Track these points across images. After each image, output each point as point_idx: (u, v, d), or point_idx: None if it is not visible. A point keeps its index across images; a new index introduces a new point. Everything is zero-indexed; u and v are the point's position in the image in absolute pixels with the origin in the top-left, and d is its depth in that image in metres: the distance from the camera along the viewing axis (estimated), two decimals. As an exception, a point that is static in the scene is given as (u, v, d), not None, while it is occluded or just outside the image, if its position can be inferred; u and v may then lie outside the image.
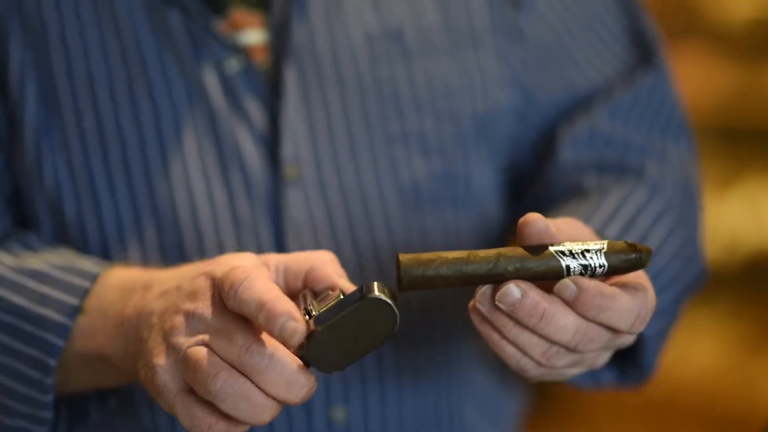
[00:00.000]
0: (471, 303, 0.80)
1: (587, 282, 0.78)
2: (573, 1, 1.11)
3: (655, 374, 1.04)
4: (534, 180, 1.10)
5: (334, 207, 1.00)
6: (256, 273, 0.79)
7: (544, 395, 2.12)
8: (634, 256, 0.79)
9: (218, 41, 0.99)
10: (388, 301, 0.78)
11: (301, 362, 0.79)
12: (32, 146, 0.98)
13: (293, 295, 0.83)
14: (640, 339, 0.98)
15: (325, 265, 0.84)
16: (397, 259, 0.79)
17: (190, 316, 0.81)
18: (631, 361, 1.01)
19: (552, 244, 0.79)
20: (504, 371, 1.10)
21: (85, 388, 0.95)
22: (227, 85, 1.00)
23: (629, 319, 0.80)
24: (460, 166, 1.04)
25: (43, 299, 0.91)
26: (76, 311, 0.90)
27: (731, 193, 2.38)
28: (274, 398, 0.78)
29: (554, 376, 0.86)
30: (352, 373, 1.01)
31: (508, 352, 0.81)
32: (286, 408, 0.97)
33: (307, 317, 0.79)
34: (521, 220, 0.80)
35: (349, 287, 0.82)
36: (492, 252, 0.78)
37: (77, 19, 0.99)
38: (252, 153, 0.99)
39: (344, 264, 0.87)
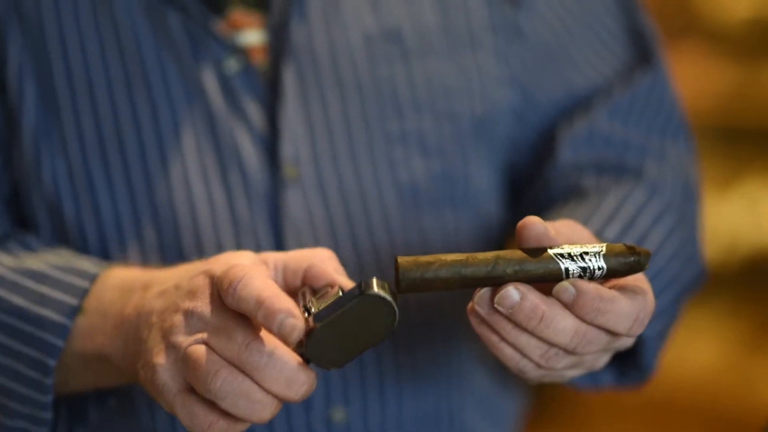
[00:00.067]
0: (469, 305, 0.80)
1: (586, 285, 0.78)
2: (572, 1, 1.11)
3: (655, 374, 1.04)
4: (533, 180, 1.10)
5: (334, 207, 1.00)
6: (255, 271, 0.79)
7: (543, 396, 2.12)
8: (632, 259, 0.79)
9: (217, 41, 0.99)
10: (387, 297, 0.78)
11: (300, 359, 0.79)
12: (31, 147, 0.98)
13: (292, 292, 0.83)
14: (640, 340, 0.98)
15: (324, 263, 0.84)
16: (396, 261, 0.78)
17: (189, 314, 0.81)
18: (630, 362, 1.01)
19: (551, 247, 0.79)
20: (503, 372, 1.10)
21: (84, 389, 0.94)
22: (226, 85, 1.00)
23: (628, 322, 0.80)
24: (459, 167, 1.04)
25: (42, 299, 0.91)
26: (75, 311, 0.90)
27: (730, 193, 2.38)
28: (274, 396, 0.78)
29: (554, 378, 0.86)
30: (351, 373, 1.01)
31: (507, 354, 0.81)
32: (285, 408, 0.97)
33: (306, 314, 0.79)
34: (520, 223, 0.80)
35: (348, 284, 0.82)
36: (491, 254, 0.78)
37: (76, 20, 0.99)
38: (251, 153, 0.99)
39: (343, 264, 0.87)
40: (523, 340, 0.79)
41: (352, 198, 1.01)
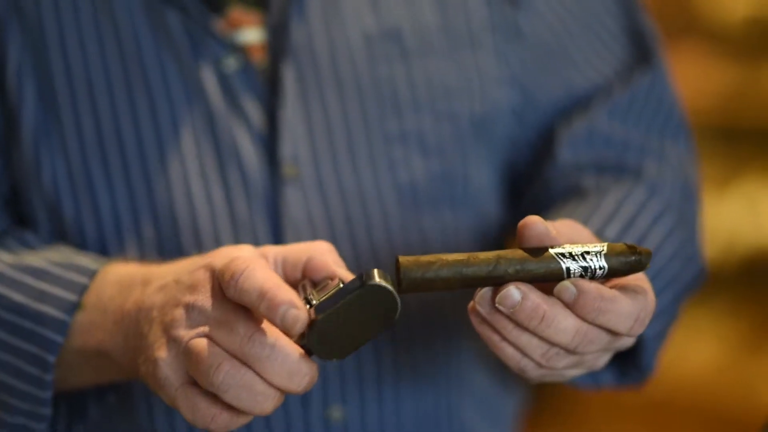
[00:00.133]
0: (470, 305, 0.80)
1: (587, 284, 0.78)
2: (572, 1, 1.11)
3: (654, 374, 1.04)
4: (532, 180, 1.10)
5: (333, 206, 1.00)
6: (256, 263, 0.79)
7: (543, 395, 2.12)
8: (633, 258, 0.79)
9: (216, 40, 1.00)
10: (389, 287, 0.78)
11: (302, 351, 0.79)
12: (30, 147, 0.98)
13: (292, 286, 0.83)
14: (640, 340, 0.98)
15: (324, 255, 0.84)
16: (397, 261, 0.78)
17: (190, 308, 0.81)
18: (630, 361, 1.01)
19: (552, 247, 0.79)
20: (503, 371, 1.10)
21: (84, 385, 0.94)
22: (225, 83, 1.00)
23: (628, 322, 0.80)
24: (459, 166, 1.04)
25: (41, 296, 0.91)
26: (74, 307, 0.90)
27: (729, 193, 2.38)
28: (276, 388, 0.78)
29: (554, 377, 0.86)
30: (349, 372, 1.01)
31: (508, 353, 0.81)
32: (283, 407, 0.97)
33: (307, 306, 0.79)
34: (521, 222, 0.80)
35: (348, 276, 0.82)
36: (492, 254, 0.78)
37: (75, 19, 0.99)
38: (250, 152, 0.99)
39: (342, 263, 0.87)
40: (524, 339, 0.79)
41: (351, 197, 1.01)
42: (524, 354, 0.81)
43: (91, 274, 0.92)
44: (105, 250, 0.98)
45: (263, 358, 0.78)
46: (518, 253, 0.79)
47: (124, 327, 0.86)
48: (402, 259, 0.78)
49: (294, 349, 0.78)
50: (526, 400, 1.16)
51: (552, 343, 0.80)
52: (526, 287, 0.78)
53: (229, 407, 0.79)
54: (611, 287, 0.80)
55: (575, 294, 0.78)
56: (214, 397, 0.79)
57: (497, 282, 0.78)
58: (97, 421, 0.99)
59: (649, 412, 2.26)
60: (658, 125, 1.11)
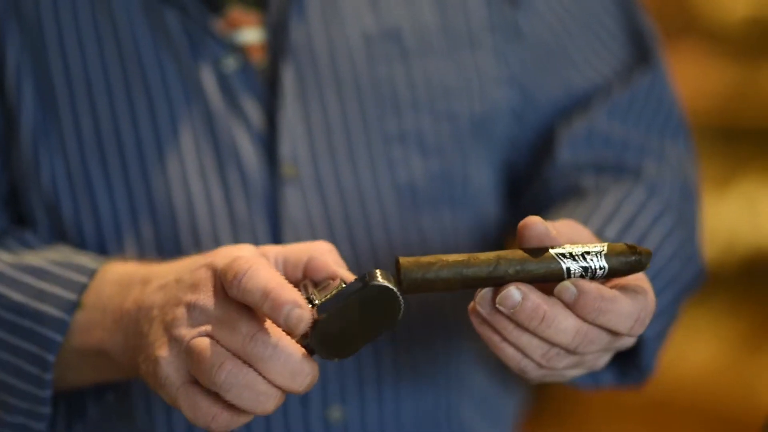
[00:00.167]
0: (471, 305, 0.80)
1: (587, 284, 0.78)
2: (571, 1, 1.11)
3: (654, 374, 1.04)
4: (532, 180, 1.10)
5: (332, 206, 1.00)
6: (259, 262, 0.79)
7: (542, 395, 2.12)
8: (634, 258, 0.79)
9: (216, 40, 0.99)
10: (392, 287, 0.78)
11: (305, 351, 0.79)
12: (29, 146, 0.98)
13: (293, 285, 0.83)
14: (640, 340, 0.98)
15: (324, 255, 0.84)
16: (397, 261, 0.78)
17: (191, 307, 0.81)
18: (630, 361, 1.01)
19: (552, 247, 0.79)
20: (503, 371, 1.10)
21: (83, 384, 0.94)
22: (224, 83, 1.00)
23: (629, 322, 0.80)
24: (458, 166, 1.04)
25: (41, 295, 0.91)
26: (74, 306, 0.90)
27: (728, 193, 2.38)
28: (278, 387, 0.78)
29: (555, 377, 0.86)
30: (349, 372, 1.01)
31: (509, 353, 0.81)
32: (282, 407, 0.97)
33: (309, 306, 0.79)
34: (521, 223, 0.80)
35: (349, 277, 0.82)
36: (492, 255, 0.78)
37: (74, 19, 0.99)
38: (249, 152, 0.99)
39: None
40: (525, 340, 0.79)
41: (350, 197, 1.01)
42: (525, 354, 0.81)
43: (91, 273, 0.92)
44: (104, 249, 0.98)
45: (266, 358, 0.77)
46: (518, 253, 0.79)
47: (124, 326, 0.86)
48: (402, 260, 0.78)
49: (296, 349, 0.78)
50: (525, 400, 1.16)
51: (552, 344, 0.80)
52: (526, 287, 0.78)
53: (230, 407, 0.79)
54: (611, 287, 0.80)
55: (575, 294, 0.78)
56: (216, 397, 0.79)
57: (498, 282, 0.78)
58: (96, 420, 0.99)
59: (648, 412, 2.26)
60: (658, 125, 1.11)
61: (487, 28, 1.06)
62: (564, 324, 0.78)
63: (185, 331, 0.80)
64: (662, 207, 1.03)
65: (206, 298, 0.80)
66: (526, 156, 1.10)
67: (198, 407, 0.79)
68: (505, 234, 1.09)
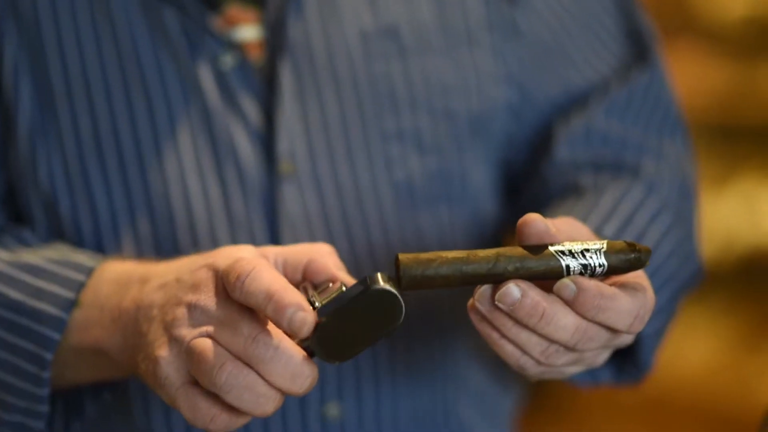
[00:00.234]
0: (470, 302, 0.80)
1: (587, 282, 0.78)
2: (570, -1, 1.11)
3: (652, 372, 1.04)
4: (530, 178, 1.10)
5: (329, 203, 1.00)
6: (262, 264, 0.79)
7: (540, 393, 2.12)
8: (633, 255, 0.79)
9: (213, 37, 0.99)
10: (394, 291, 0.78)
11: (305, 353, 0.79)
12: (27, 144, 0.98)
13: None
14: (638, 337, 0.97)
15: (324, 258, 0.84)
16: (397, 258, 0.78)
17: (192, 307, 0.81)
18: (628, 359, 1.01)
19: (551, 244, 0.79)
20: (500, 369, 1.10)
21: (81, 382, 0.94)
22: (222, 81, 1.00)
23: (628, 319, 0.80)
24: (456, 164, 1.04)
25: (38, 293, 0.91)
26: (71, 305, 0.90)
27: (726, 191, 2.38)
28: (278, 389, 0.78)
29: (553, 375, 0.86)
30: (346, 369, 1.01)
31: (508, 350, 0.81)
32: (280, 405, 0.97)
33: (310, 308, 0.79)
34: (521, 220, 0.80)
35: (348, 279, 0.82)
36: (492, 252, 0.78)
37: (72, 17, 0.99)
38: (247, 149, 0.99)
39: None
40: (524, 337, 0.79)
41: (347, 194, 1.01)
42: (524, 351, 0.81)
43: (88, 272, 0.92)
44: (101, 247, 0.98)
45: (267, 360, 0.77)
46: (518, 250, 0.79)
47: (122, 324, 0.86)
48: (402, 256, 0.78)
49: (297, 351, 0.78)
50: (523, 398, 1.16)
51: (551, 341, 0.80)
52: (525, 285, 0.78)
53: (230, 408, 0.79)
54: (611, 285, 0.80)
55: (575, 291, 0.78)
56: (215, 398, 0.79)
57: (497, 279, 0.79)
58: (94, 419, 0.99)
59: (646, 411, 2.27)
60: (656, 123, 1.11)
61: (485, 26, 1.06)
62: (563, 321, 0.78)
63: (186, 332, 0.80)
64: (660, 205, 1.03)
65: (207, 299, 0.80)
66: (524, 154, 1.10)
67: (197, 408, 0.79)
68: (502, 232, 1.09)
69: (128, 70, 0.99)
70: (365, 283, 0.78)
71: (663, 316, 1.02)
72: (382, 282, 0.78)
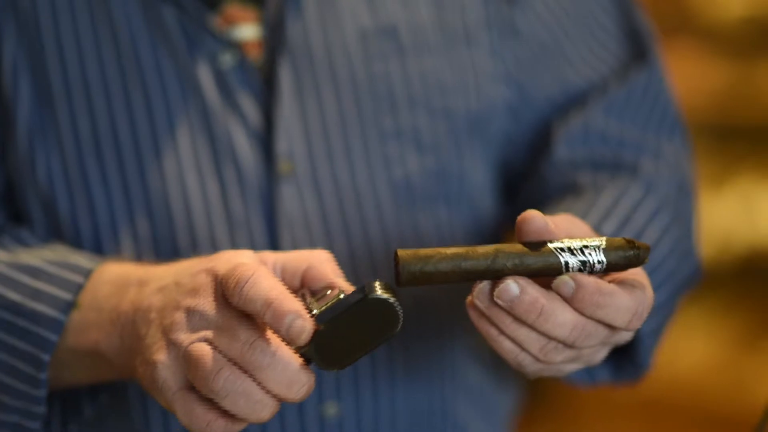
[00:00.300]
0: (468, 298, 0.80)
1: (585, 279, 0.78)
2: (568, -1, 1.11)
3: (651, 371, 1.04)
4: (528, 177, 1.10)
5: (328, 203, 1.00)
6: (261, 271, 0.79)
7: (537, 392, 2.12)
8: (632, 253, 0.80)
9: (212, 36, 0.99)
10: (391, 300, 0.78)
11: (302, 360, 0.79)
12: (25, 142, 0.98)
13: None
14: (636, 336, 0.98)
15: (323, 264, 0.84)
16: (395, 254, 0.78)
17: (191, 312, 0.80)
18: (626, 358, 1.01)
19: (551, 241, 0.79)
20: (498, 367, 1.10)
21: (78, 383, 0.94)
22: (221, 80, 0.99)
23: (627, 316, 0.80)
24: (454, 163, 1.04)
25: (36, 294, 0.91)
26: (69, 306, 0.90)
27: (724, 191, 2.39)
28: (274, 396, 0.78)
29: (552, 372, 0.86)
30: (344, 368, 1.01)
31: (506, 347, 0.81)
32: (277, 404, 0.97)
33: (309, 316, 0.79)
34: (520, 216, 0.80)
35: (347, 287, 0.83)
36: (491, 248, 0.78)
37: (72, 16, 0.99)
38: (245, 148, 0.99)
39: (337, 260, 0.87)
40: (523, 333, 0.80)
41: (346, 194, 1.01)
42: (522, 348, 0.81)
43: (87, 273, 0.92)
44: (100, 245, 0.98)
45: (264, 366, 0.78)
46: (517, 247, 0.79)
47: (120, 327, 0.86)
48: (401, 252, 0.78)
49: (294, 359, 0.78)
50: (520, 397, 1.16)
51: (550, 337, 0.80)
52: (524, 281, 0.78)
53: (226, 414, 0.79)
54: (609, 282, 0.80)
55: (573, 288, 0.78)
56: (211, 403, 0.79)
57: (496, 276, 0.79)
58: (92, 420, 0.99)
59: (643, 410, 2.27)
60: (654, 122, 1.11)
61: (483, 25, 1.06)
62: (562, 318, 0.79)
63: (184, 336, 0.80)
64: (659, 204, 1.03)
65: (206, 304, 0.80)
66: (523, 153, 1.10)
67: (193, 413, 0.79)
68: (501, 231, 1.09)
69: (127, 69, 0.99)
70: (363, 291, 0.78)
71: (662, 314, 1.02)
72: (379, 290, 0.78)
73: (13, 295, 0.92)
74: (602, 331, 0.81)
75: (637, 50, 1.13)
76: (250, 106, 1.00)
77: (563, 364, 0.83)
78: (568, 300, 0.79)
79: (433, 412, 1.05)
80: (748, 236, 2.38)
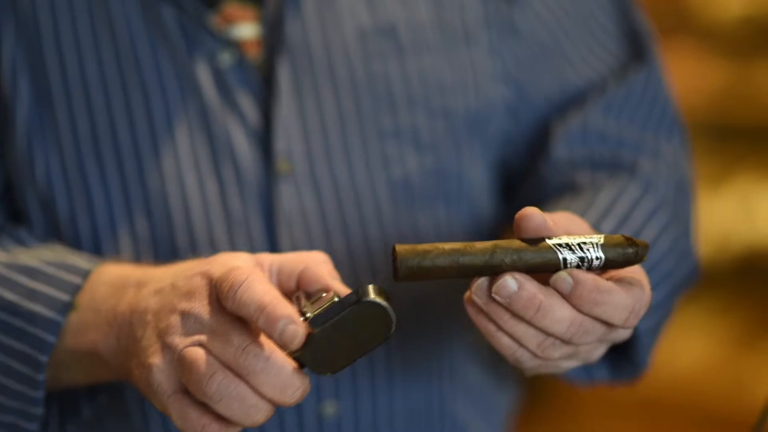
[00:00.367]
0: (466, 294, 0.80)
1: (584, 275, 0.78)
2: (567, -2, 1.11)
3: (648, 370, 1.04)
4: (527, 176, 1.10)
5: (326, 202, 1.00)
6: (255, 275, 0.79)
7: (535, 391, 2.12)
8: (631, 250, 0.80)
9: (211, 35, 0.99)
10: (384, 304, 0.78)
11: (296, 364, 0.79)
12: (24, 142, 0.98)
13: (286, 296, 0.83)
14: (634, 335, 0.98)
15: (319, 266, 0.84)
16: (393, 249, 0.78)
17: (186, 315, 0.80)
18: (625, 356, 1.01)
19: (549, 237, 0.79)
20: (496, 366, 1.10)
21: (76, 384, 0.94)
22: (220, 79, 0.99)
23: (624, 314, 0.80)
24: (453, 163, 1.04)
25: (34, 295, 0.91)
26: (67, 307, 0.90)
27: (723, 191, 2.39)
28: (268, 400, 0.78)
29: (549, 368, 0.86)
30: (342, 368, 1.01)
31: (504, 343, 0.81)
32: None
33: (302, 319, 0.79)
34: (518, 213, 0.80)
35: (342, 289, 0.83)
36: (489, 244, 0.79)
37: (71, 15, 0.99)
38: (244, 147, 0.99)
39: (336, 259, 0.87)
40: (520, 329, 0.80)
41: (344, 193, 1.01)
42: (520, 344, 0.81)
43: (85, 275, 0.91)
44: (99, 245, 0.98)
45: (257, 371, 0.78)
46: (515, 242, 0.79)
47: (117, 328, 0.86)
48: (399, 247, 0.78)
49: (288, 363, 0.78)
50: (519, 396, 1.16)
51: (548, 333, 0.80)
52: (522, 277, 0.78)
53: (220, 418, 0.79)
54: (607, 279, 0.81)
55: (571, 284, 0.78)
56: (205, 407, 0.79)
57: (494, 271, 0.79)
58: (90, 421, 0.99)
59: (641, 409, 2.27)
60: (653, 122, 1.11)
61: (482, 24, 1.06)
62: (559, 314, 0.79)
63: (178, 340, 0.80)
64: (657, 203, 1.03)
65: (201, 307, 0.80)
66: (521, 152, 1.10)
67: (188, 417, 0.80)
68: (500, 230, 1.09)
69: (126, 68, 0.98)
70: (356, 295, 0.78)
71: (660, 313, 1.02)
72: (372, 294, 0.78)
73: (11, 296, 0.92)
74: (599, 328, 0.81)
75: (636, 50, 1.13)
76: (248, 105, 1.00)
77: (561, 360, 0.83)
78: (566, 296, 0.79)
79: (432, 410, 1.05)
80: (747, 236, 2.38)
